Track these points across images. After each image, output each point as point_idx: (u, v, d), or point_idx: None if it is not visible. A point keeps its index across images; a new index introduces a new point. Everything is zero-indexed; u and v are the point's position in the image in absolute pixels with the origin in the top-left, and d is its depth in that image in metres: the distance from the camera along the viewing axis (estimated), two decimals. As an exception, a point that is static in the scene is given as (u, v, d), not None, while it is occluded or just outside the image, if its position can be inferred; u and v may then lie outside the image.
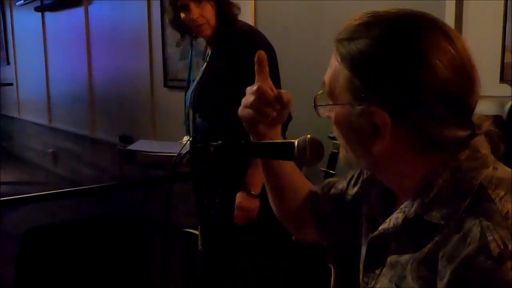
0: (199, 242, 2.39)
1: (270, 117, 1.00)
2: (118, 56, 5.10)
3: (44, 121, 6.94)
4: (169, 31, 4.02)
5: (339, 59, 0.82)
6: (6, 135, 8.22)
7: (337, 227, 1.08)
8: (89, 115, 5.78)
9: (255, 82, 1.00)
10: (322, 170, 1.79)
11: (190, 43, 2.37)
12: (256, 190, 2.06)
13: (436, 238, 0.76)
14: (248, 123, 1.02)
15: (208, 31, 2.17)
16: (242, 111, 1.00)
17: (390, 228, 0.85)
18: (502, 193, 0.76)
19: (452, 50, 0.77)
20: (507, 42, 2.08)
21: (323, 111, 0.89)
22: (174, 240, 1.25)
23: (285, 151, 0.95)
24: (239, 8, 2.23)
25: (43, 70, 6.67)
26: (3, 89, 7.64)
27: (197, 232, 2.44)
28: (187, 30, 2.24)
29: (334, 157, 1.76)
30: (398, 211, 0.85)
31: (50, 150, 6.87)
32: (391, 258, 0.85)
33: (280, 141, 1.01)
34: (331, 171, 1.78)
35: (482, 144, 0.81)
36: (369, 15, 0.81)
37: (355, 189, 1.03)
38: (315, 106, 0.90)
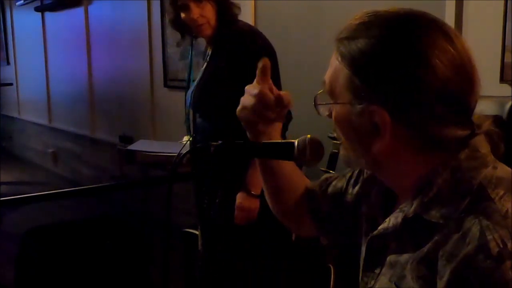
0: (199, 242, 2.39)
1: (269, 119, 1.00)
2: (118, 56, 5.10)
3: (44, 121, 6.94)
4: (169, 31, 4.02)
5: (339, 58, 0.82)
6: (6, 135, 8.22)
7: (336, 227, 1.08)
8: (89, 115, 5.78)
9: (255, 83, 0.99)
10: (322, 170, 1.79)
11: (190, 43, 2.38)
12: (256, 190, 2.06)
13: (436, 238, 0.76)
14: (246, 122, 1.02)
15: (208, 31, 2.17)
16: (241, 111, 1.00)
17: (390, 227, 0.85)
18: (502, 192, 0.76)
19: (452, 50, 0.77)
20: (507, 42, 2.08)
21: (323, 110, 0.89)
22: (174, 240, 1.25)
23: (285, 151, 0.95)
24: (239, 8, 2.23)
25: (43, 70, 6.67)
26: (3, 89, 7.63)
27: (197, 232, 2.44)
28: (187, 30, 2.24)
29: (334, 157, 1.76)
30: (397, 210, 0.85)
31: (50, 150, 6.87)
32: (390, 258, 0.85)
33: (280, 141, 1.02)
34: (331, 171, 1.78)
35: (482, 144, 0.82)
36: (369, 14, 0.82)
37: (356, 188, 1.03)
38: (316, 105, 0.90)
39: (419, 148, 0.80)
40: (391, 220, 0.85)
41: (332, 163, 1.77)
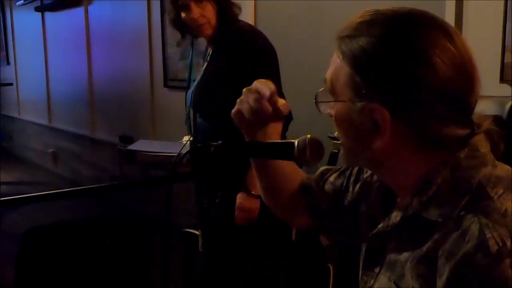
0: (199, 242, 2.39)
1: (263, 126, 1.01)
2: (118, 56, 5.10)
3: (44, 121, 6.94)
4: (169, 31, 4.02)
5: (340, 56, 0.82)
6: (6, 135, 8.22)
7: (336, 225, 1.08)
8: (89, 115, 5.78)
9: (254, 84, 0.99)
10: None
11: (190, 43, 2.38)
12: (256, 191, 2.06)
13: (435, 236, 0.77)
14: (239, 125, 1.03)
15: (208, 31, 2.17)
16: (235, 114, 1.01)
17: (389, 226, 0.85)
18: (501, 191, 0.76)
19: (453, 49, 0.77)
20: (507, 42, 2.08)
21: (324, 108, 0.89)
22: (174, 240, 1.25)
23: (285, 151, 0.95)
24: (239, 8, 2.23)
25: (43, 70, 6.67)
26: (3, 89, 7.63)
27: (197, 232, 2.44)
28: (187, 29, 2.24)
29: (334, 157, 1.76)
30: (397, 209, 0.85)
31: (50, 150, 6.87)
32: (390, 257, 0.85)
33: (280, 141, 1.02)
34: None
35: (481, 143, 0.82)
36: (370, 13, 0.82)
37: (356, 187, 1.03)
38: (316, 103, 0.90)
39: (419, 147, 0.80)
40: (391, 219, 0.85)
41: (332, 163, 1.77)
